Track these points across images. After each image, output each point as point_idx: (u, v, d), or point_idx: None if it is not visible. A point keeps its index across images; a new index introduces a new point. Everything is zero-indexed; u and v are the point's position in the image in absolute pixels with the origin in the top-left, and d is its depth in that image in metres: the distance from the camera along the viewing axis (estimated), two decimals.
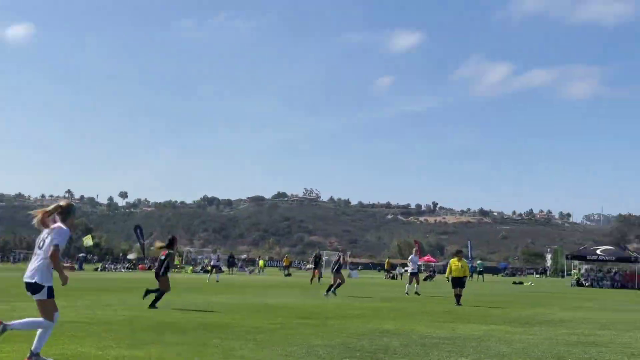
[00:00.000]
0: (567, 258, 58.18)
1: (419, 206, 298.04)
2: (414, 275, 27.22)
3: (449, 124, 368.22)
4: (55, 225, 7.37)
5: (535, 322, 14.88)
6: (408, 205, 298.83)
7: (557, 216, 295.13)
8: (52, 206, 7.50)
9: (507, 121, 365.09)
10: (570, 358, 9.08)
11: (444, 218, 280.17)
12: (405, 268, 38.91)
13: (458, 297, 20.58)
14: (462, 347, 10.01)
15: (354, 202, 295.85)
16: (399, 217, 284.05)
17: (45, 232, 7.40)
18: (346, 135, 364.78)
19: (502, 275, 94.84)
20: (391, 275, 58.92)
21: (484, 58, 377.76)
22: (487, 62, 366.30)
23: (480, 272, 60.20)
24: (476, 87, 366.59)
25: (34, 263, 7.30)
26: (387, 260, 71.97)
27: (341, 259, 24.71)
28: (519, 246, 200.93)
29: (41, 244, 7.34)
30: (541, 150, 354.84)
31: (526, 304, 22.18)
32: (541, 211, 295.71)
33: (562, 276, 76.10)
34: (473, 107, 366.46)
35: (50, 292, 7.24)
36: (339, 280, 23.21)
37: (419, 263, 30.15)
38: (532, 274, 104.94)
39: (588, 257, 52.84)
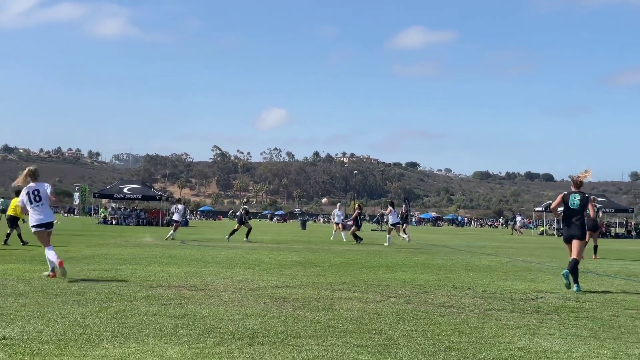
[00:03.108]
0: (94, 196, 58.93)
1: None
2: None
3: None
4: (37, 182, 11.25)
5: None
6: None
7: (86, 155, 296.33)
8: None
9: (29, 54, 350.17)
10: (89, 293, 9.17)
11: None
12: None
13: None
14: None
15: None
16: None
17: (31, 187, 11.14)
18: None
19: None
20: None
21: None
22: None
23: (3, 211, 57.30)
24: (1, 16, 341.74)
25: (45, 208, 11.26)
26: None
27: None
28: None
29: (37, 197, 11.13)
30: (66, 89, 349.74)
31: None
32: (70, 149, 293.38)
33: (90, 214, 76.88)
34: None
35: None
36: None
37: None
38: (59, 212, 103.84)
39: (115, 196, 54.37)
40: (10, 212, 21.01)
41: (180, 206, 29.87)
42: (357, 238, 27.84)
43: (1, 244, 19.78)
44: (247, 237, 27.13)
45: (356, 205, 31.23)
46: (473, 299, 9.78)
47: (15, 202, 21.05)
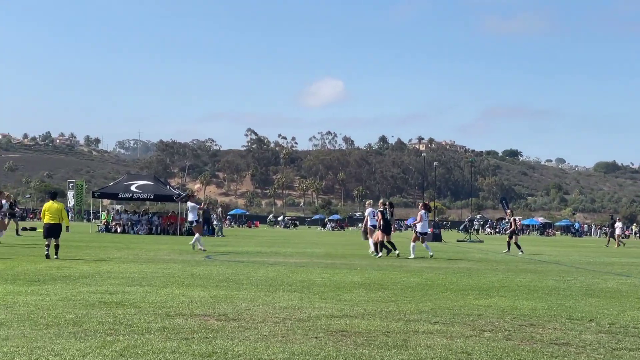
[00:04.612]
0: (93, 196, 59.93)
1: None
2: None
3: None
4: None
5: (48, 279, 14.99)
6: None
7: (82, 142, 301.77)
8: None
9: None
10: (90, 322, 9.34)
11: None
12: None
13: None
14: None
15: None
16: None
17: None
18: None
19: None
20: None
21: None
22: None
23: None
24: None
25: None
26: None
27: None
28: (33, 180, 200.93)
29: None
30: (56, 58, 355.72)
31: (34, 256, 22.21)
32: (62, 135, 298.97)
33: (88, 220, 78.36)
34: None
35: None
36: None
37: None
38: None
39: (120, 195, 55.18)
40: None
41: (190, 203, 30.76)
42: (385, 248, 28.34)
43: None
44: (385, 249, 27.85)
45: (380, 202, 30.41)
46: (597, 334, 9.65)
47: None
